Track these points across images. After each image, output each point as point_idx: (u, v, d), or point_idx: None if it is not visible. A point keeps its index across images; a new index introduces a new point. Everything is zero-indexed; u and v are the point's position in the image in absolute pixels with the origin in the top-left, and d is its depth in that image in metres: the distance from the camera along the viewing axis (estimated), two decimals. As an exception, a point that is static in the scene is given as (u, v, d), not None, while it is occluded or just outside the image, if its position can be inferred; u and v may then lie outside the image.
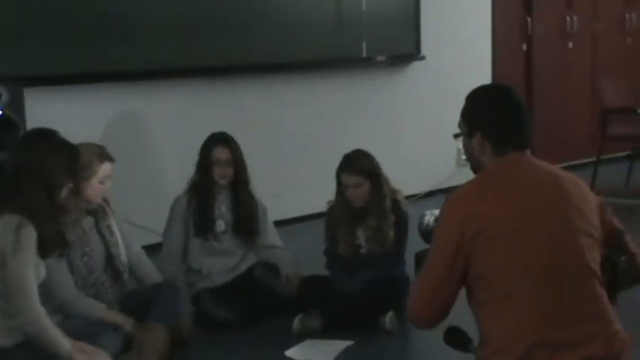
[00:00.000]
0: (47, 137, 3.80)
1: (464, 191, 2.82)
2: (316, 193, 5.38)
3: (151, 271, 4.68)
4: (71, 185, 3.76)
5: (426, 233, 3.16)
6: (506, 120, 2.83)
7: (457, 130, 2.94)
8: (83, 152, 4.17)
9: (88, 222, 4.40)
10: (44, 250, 3.60)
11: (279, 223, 5.55)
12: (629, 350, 2.69)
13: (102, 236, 4.44)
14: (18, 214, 3.51)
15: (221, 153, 5.01)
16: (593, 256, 2.72)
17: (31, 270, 3.53)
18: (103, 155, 4.43)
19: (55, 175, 3.65)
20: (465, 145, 2.91)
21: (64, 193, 3.73)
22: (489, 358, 2.67)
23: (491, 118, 2.83)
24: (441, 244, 2.75)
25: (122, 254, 4.51)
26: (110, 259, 4.45)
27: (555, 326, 2.61)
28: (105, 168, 4.41)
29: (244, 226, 5.10)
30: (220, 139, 5.07)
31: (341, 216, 4.94)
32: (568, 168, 5.28)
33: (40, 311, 3.58)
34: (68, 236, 4.09)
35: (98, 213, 4.46)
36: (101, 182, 4.40)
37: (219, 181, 5.02)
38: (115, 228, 4.52)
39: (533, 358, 2.58)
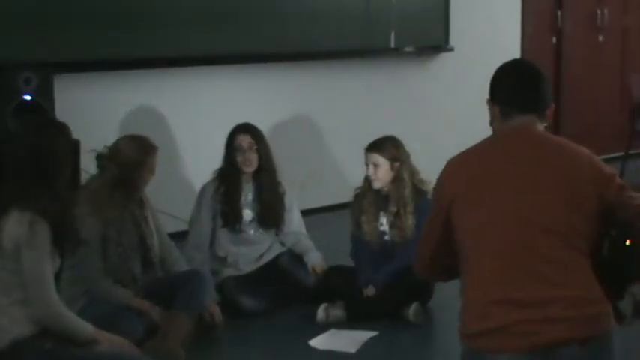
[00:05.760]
0: (39, 124, 3.77)
1: (455, 157, 2.89)
2: (341, 183, 5.39)
3: (178, 259, 4.71)
4: (70, 170, 3.69)
5: None
6: (513, 84, 2.87)
7: (485, 123, 2.97)
8: (135, 149, 4.36)
9: (128, 212, 4.44)
10: (58, 242, 3.57)
11: (304, 213, 5.55)
12: (604, 315, 2.65)
13: (138, 226, 4.47)
14: (29, 211, 3.48)
15: (242, 140, 5.05)
16: (572, 224, 2.67)
17: (47, 262, 3.51)
18: (151, 148, 4.48)
19: (56, 158, 3.58)
20: None
21: (67, 176, 3.65)
22: (460, 319, 2.74)
23: (500, 83, 2.88)
24: (432, 204, 2.91)
25: (155, 245, 4.54)
26: (144, 249, 4.49)
27: (513, 285, 2.63)
28: (155, 159, 4.47)
29: (269, 214, 5.12)
30: (242, 126, 5.14)
31: (366, 200, 4.96)
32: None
33: (57, 302, 3.55)
34: (86, 228, 4.03)
35: (136, 203, 4.49)
36: (151, 173, 4.47)
37: (243, 169, 5.05)
38: (150, 219, 4.55)
39: (490, 314, 2.63)
